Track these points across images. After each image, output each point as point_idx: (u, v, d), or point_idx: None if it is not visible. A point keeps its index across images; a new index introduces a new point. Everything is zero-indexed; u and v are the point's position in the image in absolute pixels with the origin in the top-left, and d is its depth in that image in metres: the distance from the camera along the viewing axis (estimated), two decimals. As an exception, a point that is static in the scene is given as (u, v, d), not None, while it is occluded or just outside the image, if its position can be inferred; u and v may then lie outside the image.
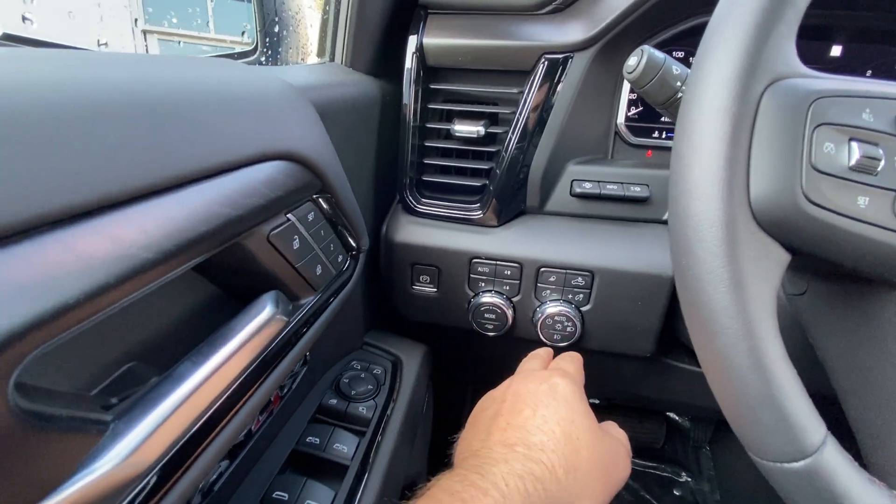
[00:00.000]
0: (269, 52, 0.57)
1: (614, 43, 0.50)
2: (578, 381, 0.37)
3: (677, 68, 0.36)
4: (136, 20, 0.59)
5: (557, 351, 0.44)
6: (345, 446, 0.41)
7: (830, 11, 0.52)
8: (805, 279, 0.33)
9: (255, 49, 0.56)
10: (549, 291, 0.51)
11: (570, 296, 0.50)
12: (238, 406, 0.26)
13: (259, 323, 0.26)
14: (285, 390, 0.40)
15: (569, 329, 0.51)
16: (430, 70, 0.52)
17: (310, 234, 0.31)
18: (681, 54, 0.56)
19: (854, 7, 0.51)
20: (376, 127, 0.52)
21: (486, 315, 0.53)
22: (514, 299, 0.53)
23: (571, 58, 0.49)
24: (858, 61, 0.53)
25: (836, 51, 0.54)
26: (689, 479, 1.05)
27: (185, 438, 0.21)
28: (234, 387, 0.25)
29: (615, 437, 0.34)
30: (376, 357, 0.53)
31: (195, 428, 0.22)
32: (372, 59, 0.52)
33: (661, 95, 0.36)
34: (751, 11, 0.22)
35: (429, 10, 0.52)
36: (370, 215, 0.55)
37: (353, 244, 0.39)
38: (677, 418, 1.09)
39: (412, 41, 0.51)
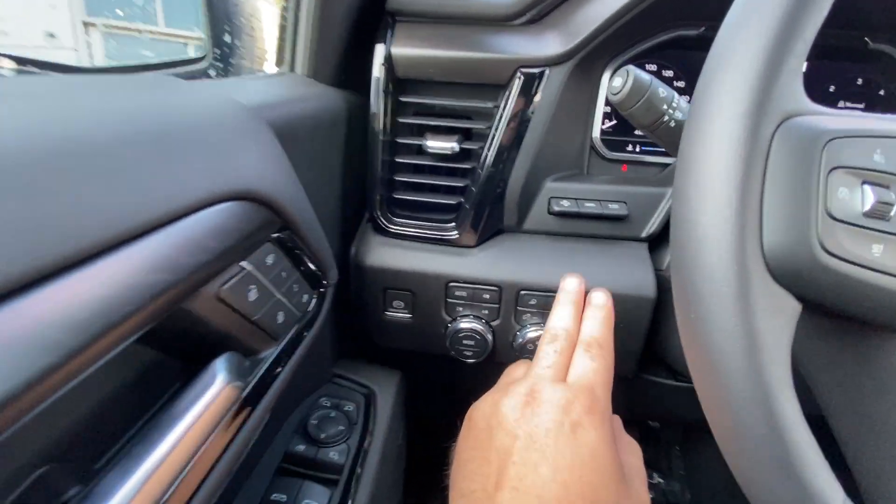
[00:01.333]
0: (221, 61, 0.52)
1: (590, 56, 0.49)
2: (604, 401, 0.31)
3: (664, 91, 0.34)
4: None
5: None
6: (315, 502, 0.37)
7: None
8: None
9: (205, 57, 0.51)
10: (529, 315, 0.49)
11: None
12: (197, 488, 0.22)
13: (210, 397, 0.22)
14: (246, 443, 0.36)
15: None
16: (399, 82, 0.49)
17: (269, 280, 0.27)
18: (654, 67, 0.55)
19: (836, 27, 0.51)
20: (342, 142, 0.49)
21: (465, 342, 0.50)
22: (494, 324, 0.50)
23: (548, 72, 0.47)
24: (823, 77, 0.54)
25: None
26: (661, 481, 1.07)
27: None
28: (189, 472, 0.21)
29: (641, 495, 0.30)
30: (347, 391, 0.49)
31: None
32: (336, 70, 0.48)
33: (647, 118, 0.34)
34: (760, 43, 0.20)
35: (397, 18, 0.49)
36: (337, 237, 0.51)
37: (320, 279, 0.35)
38: (647, 421, 1.10)
39: (380, 50, 0.47)
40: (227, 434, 0.24)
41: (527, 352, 0.50)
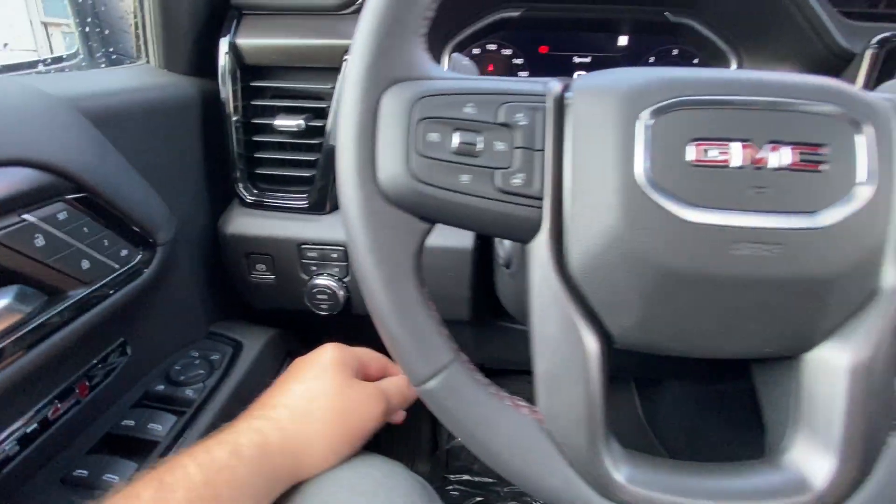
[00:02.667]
0: (98, 54, 0.57)
1: (417, 39, 0.55)
2: (359, 353, 0.41)
3: None
4: None
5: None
6: (160, 425, 0.44)
7: (613, 6, 0.58)
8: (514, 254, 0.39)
9: (77, 52, 0.57)
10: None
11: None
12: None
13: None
14: (95, 381, 0.43)
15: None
16: (250, 68, 0.55)
17: (64, 231, 0.34)
18: (493, 46, 0.61)
19: (633, 3, 0.57)
20: (199, 126, 0.55)
21: (319, 296, 0.57)
22: (346, 280, 0.57)
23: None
24: (643, 49, 0.60)
25: (623, 41, 0.60)
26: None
27: None
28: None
29: (365, 386, 0.37)
30: (218, 344, 0.56)
31: None
32: (188, 60, 0.54)
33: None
34: (372, 20, 0.26)
35: (243, 11, 0.55)
36: (205, 210, 0.57)
37: (145, 238, 0.42)
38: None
39: (224, 42, 0.53)
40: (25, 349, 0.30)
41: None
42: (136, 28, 0.52)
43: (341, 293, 0.57)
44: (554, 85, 0.28)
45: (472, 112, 0.27)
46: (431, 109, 0.26)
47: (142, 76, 0.50)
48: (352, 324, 0.60)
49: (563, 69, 0.61)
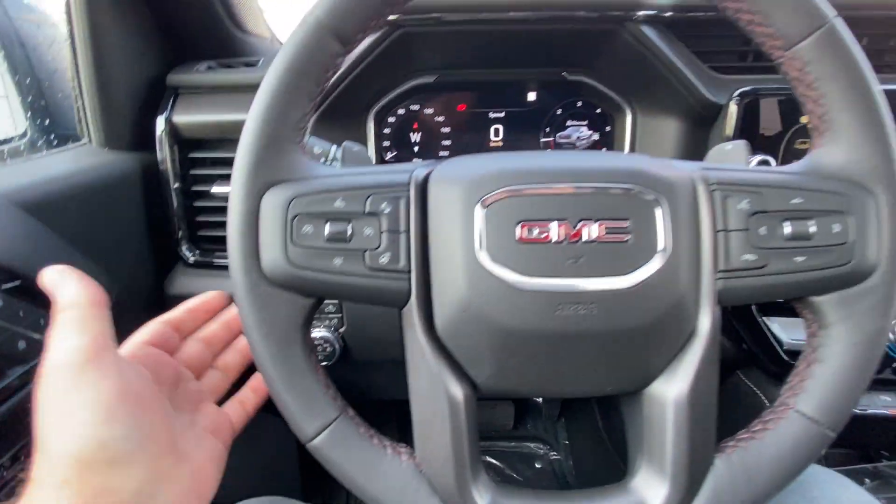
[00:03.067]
0: (43, 134, 0.62)
1: (341, 109, 0.60)
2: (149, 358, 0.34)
3: (318, 147, 0.46)
4: None
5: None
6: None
7: (515, 70, 0.65)
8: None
9: (26, 132, 0.61)
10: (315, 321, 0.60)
11: (326, 321, 0.60)
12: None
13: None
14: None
15: (328, 350, 0.60)
16: (187, 141, 0.60)
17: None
18: (416, 106, 0.67)
19: (533, 66, 0.64)
20: (140, 196, 0.59)
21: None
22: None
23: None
24: (551, 103, 0.67)
25: (531, 96, 0.67)
26: (549, 452, 1.18)
27: None
28: None
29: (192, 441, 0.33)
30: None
31: None
32: (127, 137, 0.59)
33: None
34: (252, 132, 0.31)
35: (179, 91, 0.60)
36: (151, 274, 0.61)
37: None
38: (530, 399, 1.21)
39: (161, 120, 0.58)
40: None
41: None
42: (78, 112, 0.57)
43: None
44: (420, 172, 0.33)
45: (342, 205, 0.32)
46: (305, 207, 0.31)
47: (81, 158, 0.54)
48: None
49: (481, 124, 0.67)
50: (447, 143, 0.68)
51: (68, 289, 0.30)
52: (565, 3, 0.54)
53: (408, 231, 0.32)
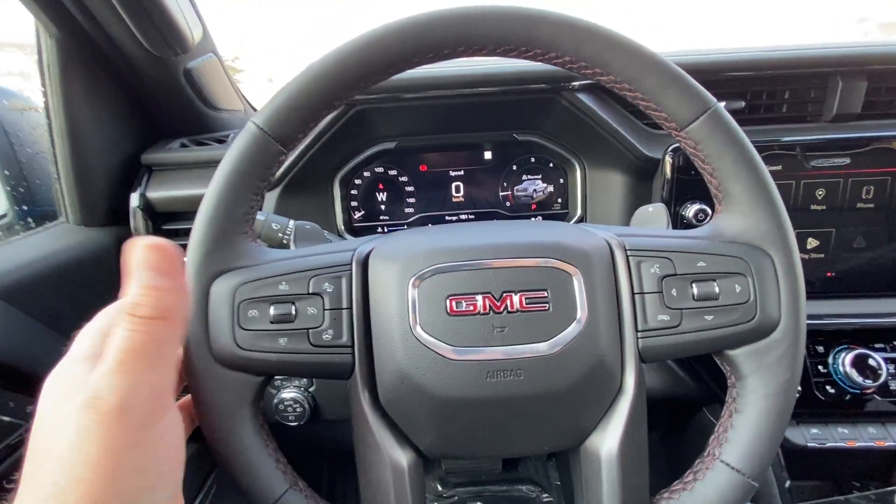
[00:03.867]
0: (25, 217, 0.65)
1: (299, 180, 0.64)
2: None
3: (276, 224, 0.49)
4: None
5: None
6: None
7: (468, 133, 0.69)
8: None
9: (5, 214, 0.64)
10: (285, 382, 0.62)
11: (296, 382, 0.62)
12: None
13: None
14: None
15: (298, 410, 0.61)
16: (161, 214, 0.63)
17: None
18: (381, 169, 0.71)
19: (485, 129, 0.69)
20: (116, 271, 0.61)
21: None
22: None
23: (265, 195, 0.62)
24: (506, 160, 0.71)
25: (487, 155, 0.71)
26: (541, 494, 1.16)
27: None
28: None
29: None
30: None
31: None
32: (103, 214, 0.62)
33: (273, 241, 0.49)
34: (201, 225, 0.34)
35: (153, 168, 0.64)
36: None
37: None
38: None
39: (134, 196, 0.61)
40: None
41: (279, 411, 0.62)
42: (56, 193, 0.60)
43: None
44: (363, 249, 0.36)
45: (286, 288, 0.34)
46: (251, 292, 0.34)
47: (58, 239, 0.57)
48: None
49: (443, 182, 0.72)
50: (412, 200, 0.72)
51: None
52: (505, 79, 0.59)
53: (350, 307, 0.34)
